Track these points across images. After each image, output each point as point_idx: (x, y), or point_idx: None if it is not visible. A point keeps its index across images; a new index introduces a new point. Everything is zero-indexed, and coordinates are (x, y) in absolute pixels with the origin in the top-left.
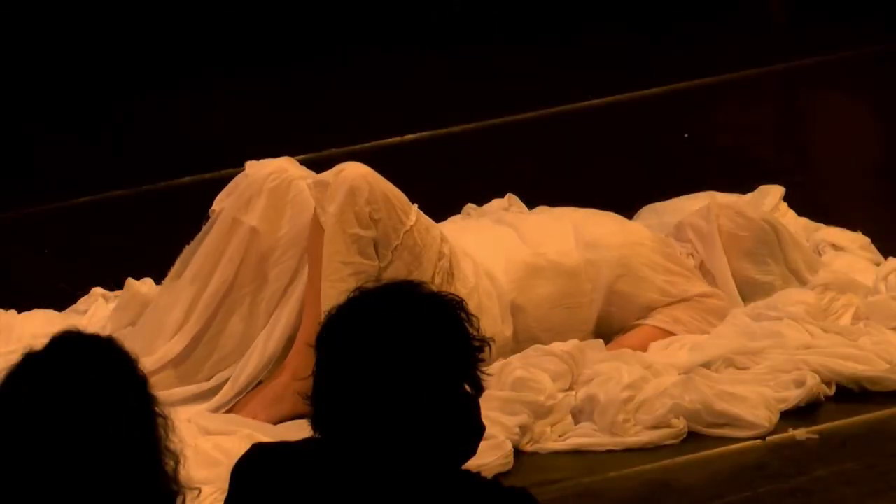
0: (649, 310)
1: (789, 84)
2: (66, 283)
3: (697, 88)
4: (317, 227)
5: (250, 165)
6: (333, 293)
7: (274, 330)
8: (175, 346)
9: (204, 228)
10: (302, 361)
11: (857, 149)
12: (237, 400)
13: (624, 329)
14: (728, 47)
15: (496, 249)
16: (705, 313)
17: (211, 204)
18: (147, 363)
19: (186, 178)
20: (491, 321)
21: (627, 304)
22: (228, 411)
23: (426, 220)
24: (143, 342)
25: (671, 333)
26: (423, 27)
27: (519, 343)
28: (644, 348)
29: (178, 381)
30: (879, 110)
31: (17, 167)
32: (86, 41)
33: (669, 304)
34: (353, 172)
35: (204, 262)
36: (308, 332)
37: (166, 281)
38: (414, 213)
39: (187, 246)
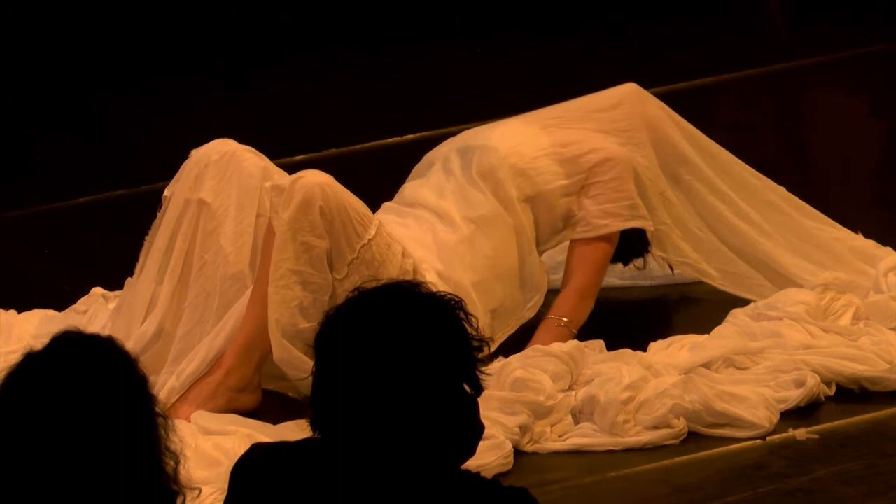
0: (567, 195)
1: (789, 84)
2: (66, 283)
3: (697, 88)
4: (270, 231)
5: (194, 151)
6: (278, 299)
7: (224, 327)
8: (147, 330)
9: (159, 215)
10: (237, 360)
11: (856, 149)
12: (179, 393)
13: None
14: (728, 47)
15: (428, 249)
16: (618, 183)
17: None
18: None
19: None
20: None
21: (545, 201)
22: (170, 407)
23: (387, 234)
24: (123, 331)
25: (606, 239)
26: (422, 26)
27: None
28: (590, 269)
29: (157, 362)
30: (879, 111)
31: (18, 167)
32: (86, 43)
33: (590, 193)
34: (311, 181)
35: (162, 245)
36: (246, 332)
37: (135, 271)
38: (374, 227)
39: (146, 237)
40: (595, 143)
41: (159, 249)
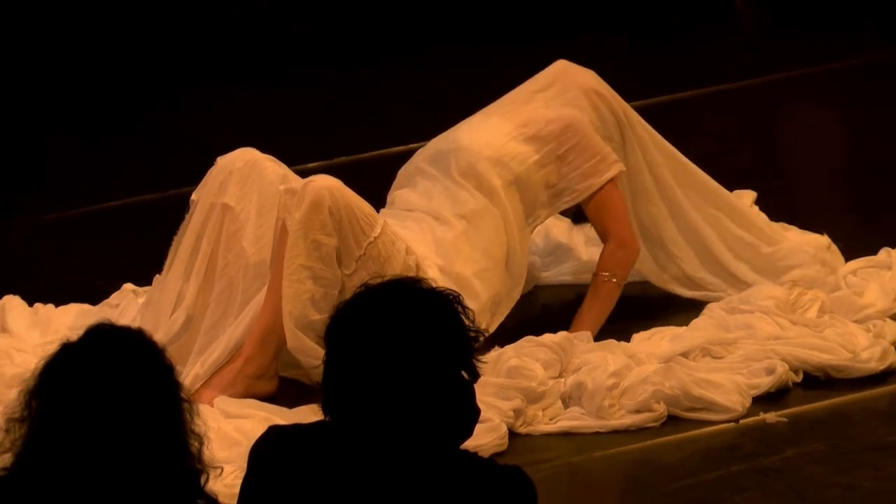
0: (542, 168)
1: (764, 97)
2: (99, 279)
3: (681, 100)
4: (284, 231)
5: (220, 159)
6: (291, 292)
7: (243, 320)
8: (175, 323)
9: (186, 217)
10: (255, 350)
11: (825, 157)
12: (203, 380)
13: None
14: (709, 63)
15: (429, 248)
16: (585, 142)
17: None
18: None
19: None
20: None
21: (524, 180)
22: (194, 393)
23: (392, 233)
24: (151, 324)
25: (609, 199)
26: (426, 37)
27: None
28: (613, 216)
29: (183, 353)
30: (846, 122)
31: (57, 174)
32: (118, 56)
33: (565, 161)
34: (320, 184)
35: (189, 246)
36: (263, 323)
37: (164, 269)
38: (379, 226)
39: (175, 237)
40: (549, 114)
41: (186, 249)
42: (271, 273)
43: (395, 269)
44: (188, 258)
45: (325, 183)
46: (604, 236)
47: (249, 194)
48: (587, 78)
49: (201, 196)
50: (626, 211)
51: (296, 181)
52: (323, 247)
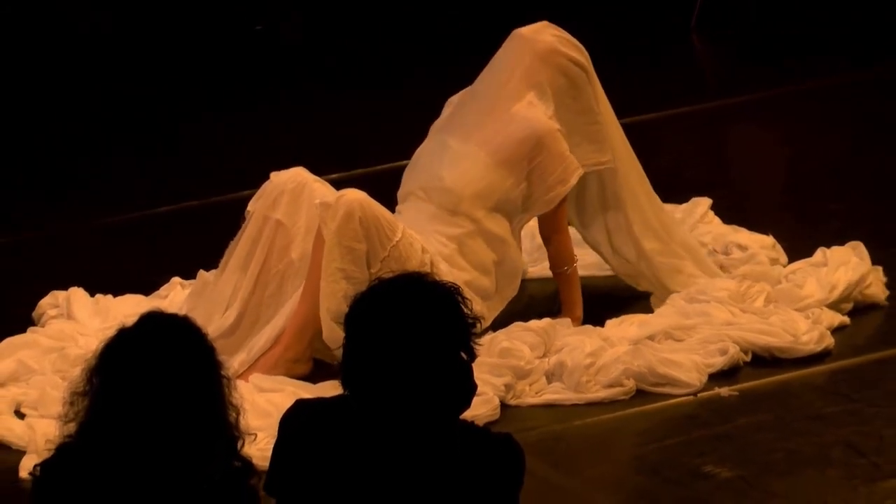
0: (517, 186)
1: (718, 118)
2: (151, 274)
3: (645, 121)
4: (319, 238)
5: (274, 175)
6: (328, 291)
7: (283, 314)
8: (227, 319)
9: (242, 226)
10: (293, 339)
11: (770, 170)
12: (248, 364)
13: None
14: (668, 88)
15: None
16: (551, 157)
17: None
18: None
19: (246, 192)
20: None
21: (503, 202)
22: (241, 374)
23: (410, 235)
24: (203, 318)
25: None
26: (432, 50)
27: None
28: (556, 219)
29: (233, 346)
30: (789, 140)
31: (111, 183)
32: (165, 76)
33: (534, 175)
34: (351, 197)
35: (243, 252)
36: (300, 316)
37: (218, 270)
38: (400, 231)
39: (231, 241)
40: (518, 131)
41: (241, 254)
42: (308, 274)
43: (413, 266)
44: (242, 262)
45: (355, 196)
46: (547, 230)
47: (299, 212)
48: (542, 40)
49: (256, 208)
50: (566, 209)
51: (331, 195)
52: (355, 251)
